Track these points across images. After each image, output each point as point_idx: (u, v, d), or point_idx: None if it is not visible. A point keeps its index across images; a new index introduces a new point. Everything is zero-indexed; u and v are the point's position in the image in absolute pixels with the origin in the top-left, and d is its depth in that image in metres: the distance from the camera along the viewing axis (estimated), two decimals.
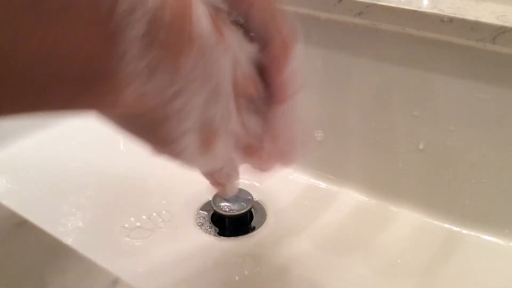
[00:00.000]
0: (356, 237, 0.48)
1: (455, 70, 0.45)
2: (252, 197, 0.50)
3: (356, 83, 0.50)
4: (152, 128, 0.23)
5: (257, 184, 0.53)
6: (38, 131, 0.60)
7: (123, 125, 0.24)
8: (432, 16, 0.44)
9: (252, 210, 0.50)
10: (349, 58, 0.50)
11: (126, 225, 0.48)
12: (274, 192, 0.53)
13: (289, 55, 0.26)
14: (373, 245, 0.47)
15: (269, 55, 0.26)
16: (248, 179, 0.54)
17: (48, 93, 0.18)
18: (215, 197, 0.50)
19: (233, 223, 0.49)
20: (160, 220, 0.49)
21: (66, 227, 0.48)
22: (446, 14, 0.43)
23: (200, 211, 0.50)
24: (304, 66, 0.54)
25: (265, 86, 0.27)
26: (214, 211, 0.49)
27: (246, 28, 0.25)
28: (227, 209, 0.48)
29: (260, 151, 0.28)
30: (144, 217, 0.49)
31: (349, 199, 0.52)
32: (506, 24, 0.41)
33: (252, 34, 0.26)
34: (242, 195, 0.50)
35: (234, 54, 0.24)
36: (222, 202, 0.49)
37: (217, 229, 0.48)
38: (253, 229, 0.49)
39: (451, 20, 0.43)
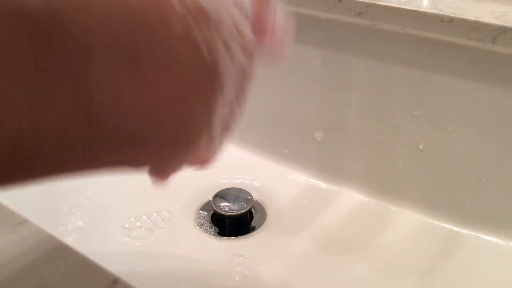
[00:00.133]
0: (356, 237, 0.48)
1: (455, 70, 0.45)
2: (252, 197, 0.50)
3: (356, 83, 0.50)
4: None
5: (257, 184, 0.53)
6: None
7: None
8: (432, 16, 0.44)
9: (252, 210, 0.50)
10: (349, 58, 0.50)
11: (126, 225, 0.48)
12: (274, 192, 0.53)
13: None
14: (373, 245, 0.47)
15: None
16: (248, 179, 0.54)
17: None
18: (215, 197, 0.50)
19: (233, 223, 0.49)
20: (160, 220, 0.49)
21: (66, 227, 0.48)
22: (446, 14, 0.43)
23: (200, 211, 0.50)
24: (304, 66, 0.54)
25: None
26: (214, 211, 0.49)
27: None
28: (227, 209, 0.48)
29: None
30: (144, 217, 0.49)
31: (349, 199, 0.52)
32: (506, 24, 0.41)
33: None
34: (242, 195, 0.50)
35: None
36: (222, 202, 0.49)
37: (217, 229, 0.48)
38: (253, 229, 0.49)
39: (451, 20, 0.43)
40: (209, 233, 0.48)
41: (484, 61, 0.43)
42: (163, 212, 0.50)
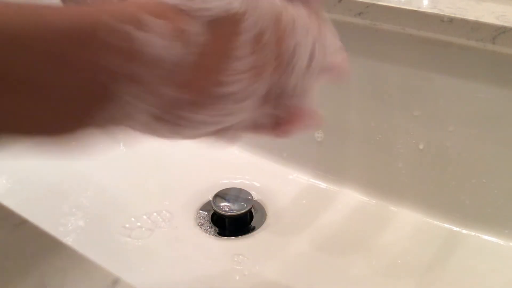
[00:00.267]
0: (356, 237, 0.48)
1: (455, 70, 0.45)
2: (252, 197, 0.50)
3: (356, 83, 0.50)
4: None
5: (257, 184, 0.53)
6: None
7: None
8: (432, 16, 0.44)
9: (252, 210, 0.50)
10: (349, 58, 0.50)
11: (127, 225, 0.48)
12: (274, 192, 0.53)
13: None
14: (373, 245, 0.46)
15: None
16: (248, 179, 0.54)
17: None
18: (215, 197, 0.50)
19: (233, 223, 0.49)
20: (160, 220, 0.49)
21: (66, 227, 0.48)
22: (446, 14, 0.43)
23: (200, 211, 0.50)
24: None
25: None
26: (214, 211, 0.49)
27: None
28: (227, 209, 0.48)
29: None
30: (144, 217, 0.49)
31: (349, 199, 0.52)
32: (506, 24, 0.41)
33: None
34: (242, 195, 0.50)
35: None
36: (222, 202, 0.49)
37: (217, 229, 0.48)
38: (253, 229, 0.49)
39: (451, 20, 0.43)
40: (209, 233, 0.48)
41: (484, 61, 0.43)
42: (164, 212, 0.50)
